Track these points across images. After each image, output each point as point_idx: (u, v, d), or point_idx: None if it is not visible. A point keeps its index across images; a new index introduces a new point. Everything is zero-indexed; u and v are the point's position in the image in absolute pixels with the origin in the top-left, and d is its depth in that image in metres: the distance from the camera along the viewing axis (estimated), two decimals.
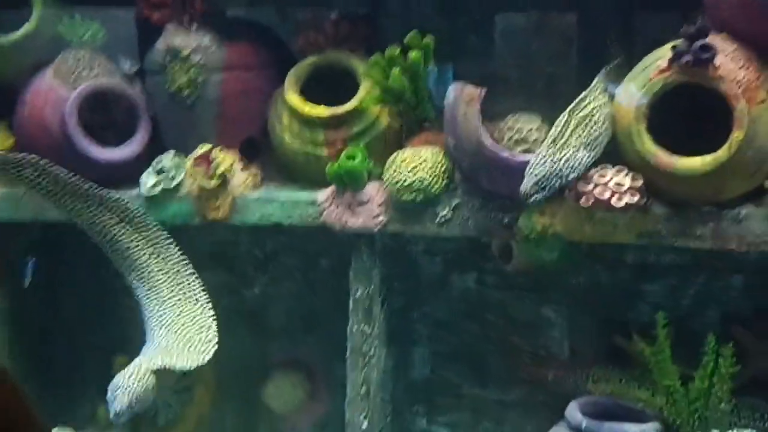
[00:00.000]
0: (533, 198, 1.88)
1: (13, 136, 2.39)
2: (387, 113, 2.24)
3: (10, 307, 2.56)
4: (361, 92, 2.22)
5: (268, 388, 2.53)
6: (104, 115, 2.39)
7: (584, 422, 2.03)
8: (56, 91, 2.30)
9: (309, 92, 2.26)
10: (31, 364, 2.61)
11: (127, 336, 2.70)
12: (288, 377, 2.53)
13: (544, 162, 1.87)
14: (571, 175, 1.89)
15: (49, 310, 2.71)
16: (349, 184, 2.16)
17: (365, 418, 2.27)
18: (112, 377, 2.56)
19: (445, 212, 2.12)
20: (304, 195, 2.25)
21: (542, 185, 1.87)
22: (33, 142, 2.33)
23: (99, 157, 2.29)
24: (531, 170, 1.88)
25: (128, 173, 2.34)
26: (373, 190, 2.18)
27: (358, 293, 2.25)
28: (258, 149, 2.35)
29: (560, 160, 1.87)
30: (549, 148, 1.88)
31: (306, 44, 2.32)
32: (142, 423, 2.57)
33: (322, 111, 2.23)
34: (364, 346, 2.27)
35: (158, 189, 2.26)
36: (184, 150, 2.33)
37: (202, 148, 2.28)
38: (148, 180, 2.28)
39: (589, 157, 1.90)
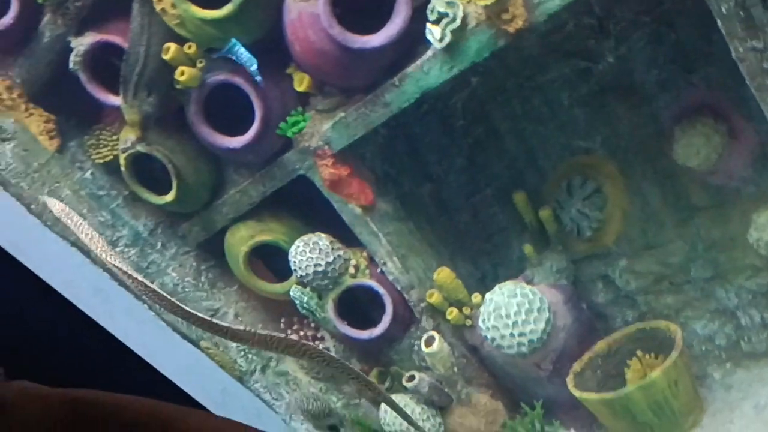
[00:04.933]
0: None
1: None
2: None
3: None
4: None
5: (678, 147, 2.19)
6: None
7: None
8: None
9: None
10: (441, 233, 2.59)
11: (519, 169, 2.53)
12: (695, 128, 2.15)
13: None
14: None
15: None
16: None
17: None
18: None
19: None
20: None
21: None
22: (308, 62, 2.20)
23: (367, 47, 2.06)
24: None
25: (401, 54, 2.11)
26: None
27: (723, 6, 1.75)
28: None
29: None
30: None
31: None
32: (570, 241, 2.46)
33: None
34: (764, 63, 1.78)
35: (448, 34, 2.00)
36: None
37: None
38: (434, 33, 2.02)
39: None
